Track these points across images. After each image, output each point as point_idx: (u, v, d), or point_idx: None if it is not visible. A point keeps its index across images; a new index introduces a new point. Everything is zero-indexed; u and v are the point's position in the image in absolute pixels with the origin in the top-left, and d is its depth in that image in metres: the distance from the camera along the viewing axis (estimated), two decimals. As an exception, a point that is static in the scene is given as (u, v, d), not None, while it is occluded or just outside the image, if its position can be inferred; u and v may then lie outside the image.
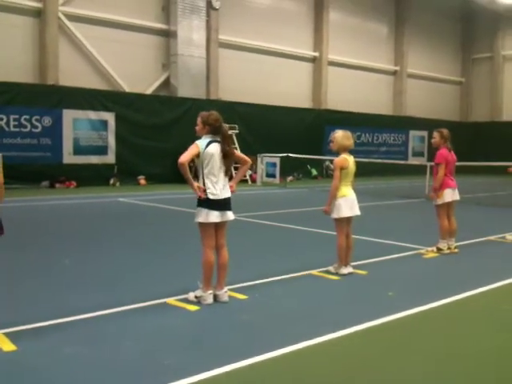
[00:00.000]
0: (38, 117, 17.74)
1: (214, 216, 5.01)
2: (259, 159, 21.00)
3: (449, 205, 7.70)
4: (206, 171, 5.02)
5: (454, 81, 34.40)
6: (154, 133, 20.23)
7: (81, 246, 7.92)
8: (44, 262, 6.79)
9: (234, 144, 20.64)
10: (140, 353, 3.85)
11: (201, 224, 5.08)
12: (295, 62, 26.12)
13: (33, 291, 5.43)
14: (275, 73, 24.98)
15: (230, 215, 5.14)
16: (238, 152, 5.36)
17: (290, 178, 22.19)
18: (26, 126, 17.46)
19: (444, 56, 33.26)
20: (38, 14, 18.64)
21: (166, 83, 21.68)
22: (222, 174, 5.08)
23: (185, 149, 5.20)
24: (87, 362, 3.67)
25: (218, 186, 5.04)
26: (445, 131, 7.81)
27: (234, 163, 5.25)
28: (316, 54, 26.77)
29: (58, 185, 17.72)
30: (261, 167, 21.10)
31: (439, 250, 7.63)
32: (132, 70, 20.66)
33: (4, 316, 4.43)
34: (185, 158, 4.89)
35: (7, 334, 4.06)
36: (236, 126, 21.31)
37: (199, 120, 5.16)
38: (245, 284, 5.70)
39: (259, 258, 7.21)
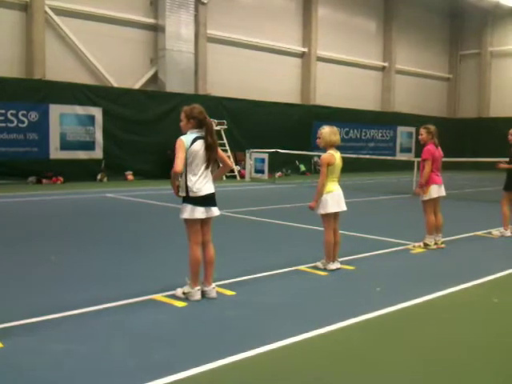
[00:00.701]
0: (24, 112, 17.57)
1: (199, 212, 4.99)
2: (248, 155, 20.98)
3: (435, 201, 7.76)
4: (189, 167, 4.98)
5: (442, 77, 34.59)
6: (142, 128, 20.13)
7: (67, 242, 7.87)
8: (31, 259, 6.74)
9: (222, 140, 20.61)
10: (128, 349, 3.84)
11: (186, 220, 5.06)
12: (284, 57, 26.11)
13: (19, 288, 5.39)
14: (264, 68, 24.96)
15: (215, 211, 5.12)
16: (221, 152, 5.27)
17: (278, 174, 22.20)
18: (12, 121, 17.29)
19: (432, 52, 33.42)
20: (25, 7, 18.45)
21: (154, 78, 21.57)
22: (205, 170, 5.05)
23: (172, 144, 5.15)
24: (75, 358, 3.66)
25: (202, 182, 5.01)
26: (431, 127, 7.86)
27: (216, 161, 5.18)
28: (305, 49, 26.77)
29: (45, 180, 17.58)
30: (249, 163, 21.08)
31: (426, 245, 7.68)
32: (120, 64, 20.53)
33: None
34: (179, 165, 4.84)
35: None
36: (225, 121, 21.27)
37: (183, 115, 5.09)
38: (233, 280, 5.70)
39: (247, 254, 7.21)
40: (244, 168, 21.36)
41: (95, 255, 7.02)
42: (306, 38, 26.77)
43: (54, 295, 5.15)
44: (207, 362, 3.57)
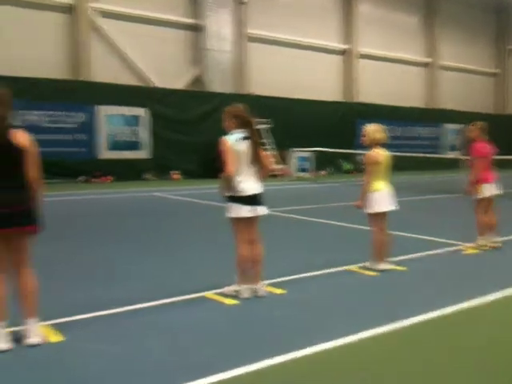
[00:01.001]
0: (72, 113, 18.08)
1: (245, 211, 4.99)
2: (291, 154, 20.95)
3: (488, 200, 7.55)
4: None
5: (489, 72, 33.68)
6: (186, 128, 20.40)
7: (117, 240, 8.05)
8: (82, 256, 6.93)
9: (266, 139, 20.64)
10: (175, 347, 3.85)
11: (233, 219, 5.09)
12: (325, 55, 25.96)
13: (72, 283, 5.54)
14: (305, 66, 24.87)
15: (261, 210, 5.11)
16: (264, 152, 5.24)
17: (322, 173, 22.09)
18: (61, 122, 17.81)
19: (477, 47, 32.58)
20: (69, 10, 18.94)
21: (197, 78, 21.81)
22: (250, 170, 5.05)
23: (216, 144, 5.17)
24: (119, 356, 3.68)
25: (247, 182, 5.01)
26: (482, 124, 7.66)
27: (260, 160, 5.15)
28: (346, 46, 26.53)
29: (94, 180, 18.03)
30: (293, 162, 21.05)
31: (479, 246, 7.49)
32: (162, 65, 20.85)
33: (53, 307, 4.50)
34: (231, 167, 4.86)
35: (51, 326, 4.15)
36: (267, 120, 21.32)
37: (226, 115, 5.09)
38: (282, 279, 5.70)
39: (295, 253, 7.21)
40: (287, 167, 21.35)
41: (143, 253, 7.14)
42: (347, 35, 26.54)
43: (103, 291, 5.26)
44: (252, 362, 3.51)
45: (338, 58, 26.69)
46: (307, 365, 3.61)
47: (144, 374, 3.40)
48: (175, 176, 19.87)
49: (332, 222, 9.77)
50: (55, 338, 3.95)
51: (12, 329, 3.86)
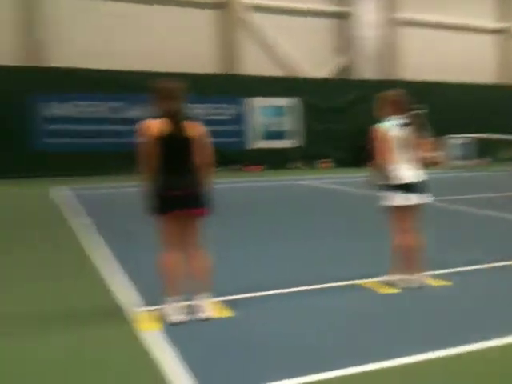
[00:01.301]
0: (226, 105, 18.89)
1: (402, 199, 4.77)
2: (447, 141, 19.86)
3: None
4: (389, 155, 4.79)
5: None
6: (335, 116, 20.29)
7: (278, 226, 8.25)
8: (251, 238, 7.20)
9: (420, 125, 19.77)
10: (344, 330, 3.81)
11: (389, 207, 4.89)
12: (478, 34, 24.13)
13: (244, 264, 5.78)
14: (457, 47, 23.43)
15: (420, 198, 4.85)
16: (423, 140, 4.95)
17: (480, 161, 20.67)
18: (217, 115, 18.72)
19: None
20: (221, 6, 19.73)
21: (345, 66, 21.55)
22: (407, 157, 4.81)
23: (366, 131, 5.02)
24: (283, 333, 3.72)
25: (403, 170, 4.79)
26: None
27: (417, 147, 4.88)
28: (504, 24, 24.39)
29: (246, 168, 18.73)
30: (449, 149, 19.93)
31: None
32: (311, 55, 20.92)
33: (222, 285, 4.71)
34: (384, 155, 4.69)
35: (225, 302, 4.35)
36: (422, 106, 20.35)
37: (381, 102, 4.90)
38: (447, 270, 5.38)
39: (459, 244, 6.80)
40: (443, 154, 20.26)
41: (300, 239, 7.22)
42: (505, 13, 24.36)
43: (278, 272, 5.39)
44: (412, 354, 3.30)
45: (493, 38, 24.67)
46: (474, 363, 3.31)
47: (311, 352, 3.40)
48: (324, 164, 19.88)
49: (498, 214, 9.05)
50: (225, 313, 4.12)
51: (186, 303, 4.11)
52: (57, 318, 4.12)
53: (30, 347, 3.58)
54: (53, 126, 17.69)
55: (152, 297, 4.35)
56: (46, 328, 3.93)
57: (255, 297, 4.57)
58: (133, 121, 18.75)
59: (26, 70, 17.38)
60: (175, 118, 3.97)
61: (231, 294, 4.55)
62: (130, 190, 11.86)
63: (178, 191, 3.95)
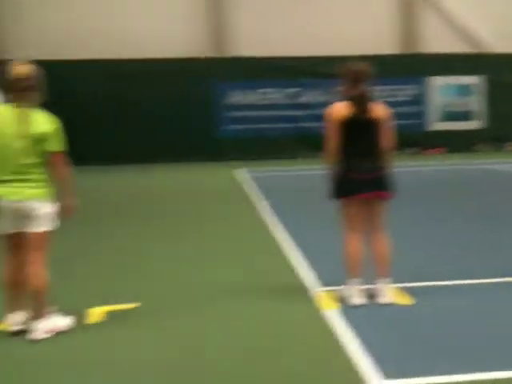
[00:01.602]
0: (403, 86, 18.29)
1: None
2: None
3: None
4: None
5: None
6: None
7: (458, 212, 7.88)
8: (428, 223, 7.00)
9: None
10: None
11: None
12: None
13: (425, 248, 5.64)
14: None
15: None
16: None
17: None
18: (395, 96, 18.19)
19: None
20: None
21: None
22: None
23: None
24: (466, 323, 3.59)
25: None
26: None
27: None
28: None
29: (424, 151, 18.01)
30: None
31: None
32: (502, 28, 19.15)
33: (402, 272, 4.65)
34: None
35: (404, 288, 4.28)
36: None
37: None
38: None
39: None
40: None
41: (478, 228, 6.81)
42: None
43: (461, 262, 5.19)
44: None
45: None
46: None
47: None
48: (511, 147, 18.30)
49: None
50: (405, 300, 4.07)
51: (366, 286, 4.14)
52: (249, 290, 4.49)
53: (236, 308, 4.05)
54: (235, 113, 18.75)
55: (331, 278, 4.47)
56: (244, 296, 4.32)
57: (435, 286, 4.45)
58: (308, 106, 19.25)
59: (212, 60, 18.62)
60: (361, 100, 3.99)
61: (410, 281, 4.47)
62: (305, 174, 12.16)
63: (365, 174, 3.99)
